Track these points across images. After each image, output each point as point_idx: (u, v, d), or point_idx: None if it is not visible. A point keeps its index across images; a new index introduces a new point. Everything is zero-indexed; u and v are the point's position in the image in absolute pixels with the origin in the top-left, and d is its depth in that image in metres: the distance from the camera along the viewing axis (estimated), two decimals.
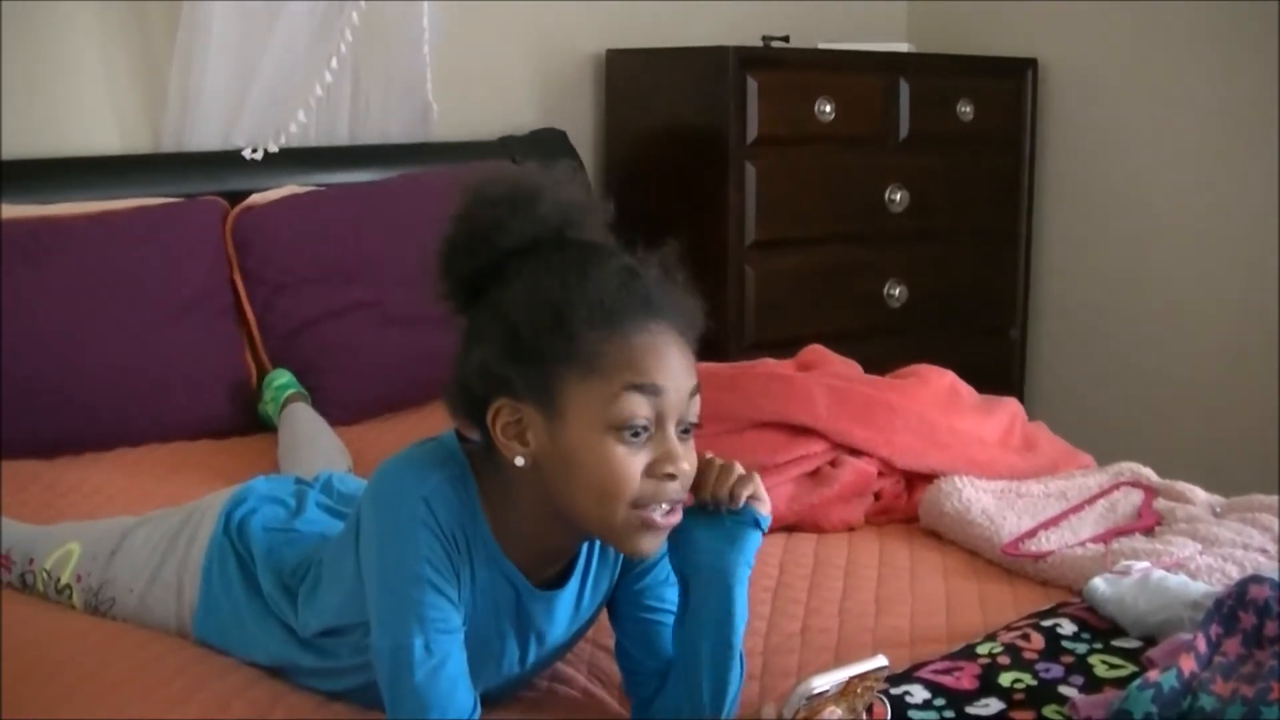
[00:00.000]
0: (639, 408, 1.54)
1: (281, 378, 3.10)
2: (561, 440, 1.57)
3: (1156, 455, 2.80)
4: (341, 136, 3.63)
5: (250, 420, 3.09)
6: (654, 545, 1.64)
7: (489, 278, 1.60)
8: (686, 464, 1.59)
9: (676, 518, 1.62)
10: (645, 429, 1.56)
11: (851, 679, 1.48)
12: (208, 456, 2.90)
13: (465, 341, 1.63)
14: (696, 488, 1.65)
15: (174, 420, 3.01)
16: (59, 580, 2.14)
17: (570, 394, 1.55)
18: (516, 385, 1.57)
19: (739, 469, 1.68)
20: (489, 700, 1.68)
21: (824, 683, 1.46)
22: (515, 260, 1.59)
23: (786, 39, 4.04)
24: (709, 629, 1.69)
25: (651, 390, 1.55)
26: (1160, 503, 2.49)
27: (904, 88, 3.97)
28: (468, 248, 1.60)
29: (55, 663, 1.92)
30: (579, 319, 1.53)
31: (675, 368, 1.57)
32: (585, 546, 1.74)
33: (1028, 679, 1.80)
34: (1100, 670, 1.84)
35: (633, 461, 1.56)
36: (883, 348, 3.33)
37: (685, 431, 1.60)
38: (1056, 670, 1.83)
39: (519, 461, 1.60)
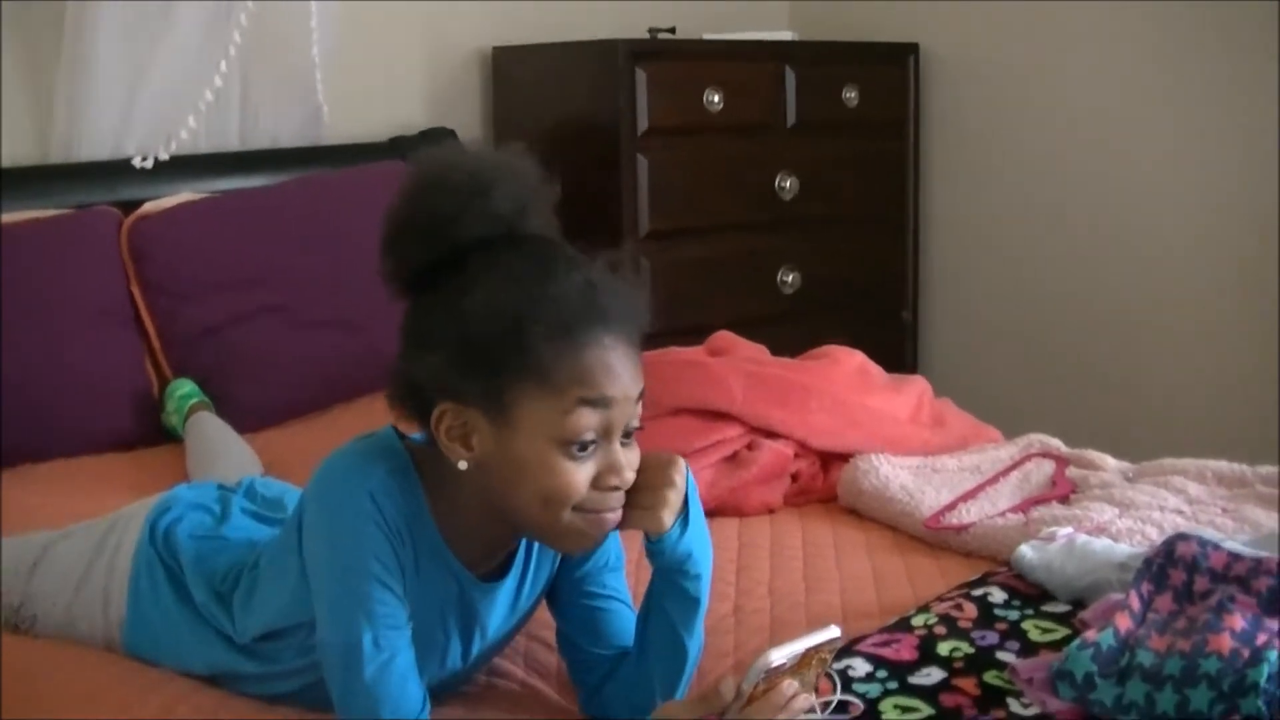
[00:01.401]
0: (589, 421, 1.54)
1: (184, 387, 3.06)
2: (508, 448, 1.56)
3: (1054, 427, 2.84)
4: (232, 142, 3.58)
5: (156, 432, 3.04)
6: (592, 545, 1.66)
7: (439, 268, 1.59)
8: (630, 472, 1.60)
9: (617, 518, 1.63)
10: (593, 442, 1.56)
11: (807, 651, 1.50)
12: (117, 469, 2.86)
13: (410, 336, 1.62)
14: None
15: (78, 435, 2.96)
16: None
17: (521, 405, 1.55)
18: (465, 391, 1.56)
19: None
20: (431, 697, 1.66)
21: (781, 655, 1.47)
22: (470, 255, 1.57)
23: (673, 30, 4.05)
24: (667, 614, 1.71)
25: (602, 403, 1.55)
26: (1072, 471, 2.53)
27: (790, 75, 3.99)
28: (419, 236, 1.58)
29: None
30: (537, 333, 1.52)
31: (625, 378, 1.57)
32: (525, 538, 1.74)
33: (966, 647, 1.82)
34: (1034, 635, 1.87)
35: (579, 472, 1.56)
36: (779, 334, 3.34)
37: (628, 435, 1.60)
38: (992, 637, 1.86)
39: (461, 465, 1.59)
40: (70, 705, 1.78)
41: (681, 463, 1.66)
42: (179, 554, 1.91)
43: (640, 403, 1.61)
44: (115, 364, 3.08)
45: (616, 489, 1.59)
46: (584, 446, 1.55)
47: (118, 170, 3.33)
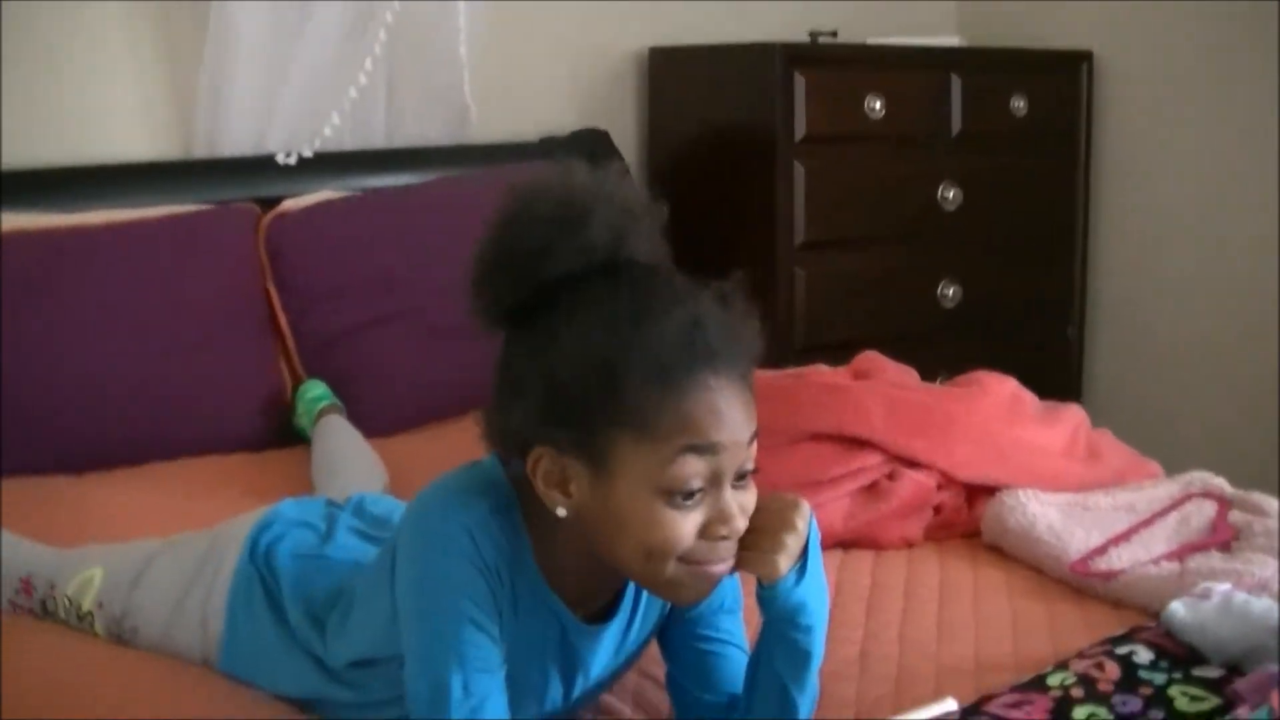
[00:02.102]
0: (695, 470, 1.44)
1: (315, 389, 3.02)
2: (608, 498, 1.46)
3: (1223, 463, 2.68)
4: (377, 140, 3.54)
5: (285, 433, 3.01)
6: (701, 596, 1.56)
7: (531, 304, 1.49)
8: (742, 520, 1.49)
9: (727, 568, 1.52)
10: (700, 489, 1.45)
11: None
12: (241, 471, 2.82)
13: (503, 379, 1.52)
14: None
15: (206, 434, 2.93)
16: (80, 607, 2.05)
17: (620, 455, 1.44)
18: (560, 439, 1.47)
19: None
20: None
21: None
22: (563, 292, 1.47)
23: (835, 34, 3.94)
24: (774, 664, 1.61)
25: (709, 450, 1.44)
26: (1235, 515, 2.38)
27: (955, 83, 3.86)
28: (509, 271, 1.48)
29: (77, 694, 1.84)
30: (633, 379, 1.42)
31: (735, 421, 1.45)
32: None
33: (1103, 714, 1.69)
34: (1181, 703, 1.73)
35: (685, 522, 1.45)
36: (937, 350, 3.23)
37: (741, 478, 1.50)
38: (1134, 704, 1.72)
39: (560, 512, 1.50)
40: None
41: (805, 507, 1.55)
42: (279, 573, 1.86)
43: (754, 444, 1.50)
44: (248, 363, 3.06)
45: (726, 539, 1.48)
46: (689, 495, 1.45)
47: (260, 166, 3.31)
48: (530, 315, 1.48)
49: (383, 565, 1.62)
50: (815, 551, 1.58)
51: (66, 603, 2.07)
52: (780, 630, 1.59)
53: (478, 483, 1.56)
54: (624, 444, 1.43)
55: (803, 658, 1.60)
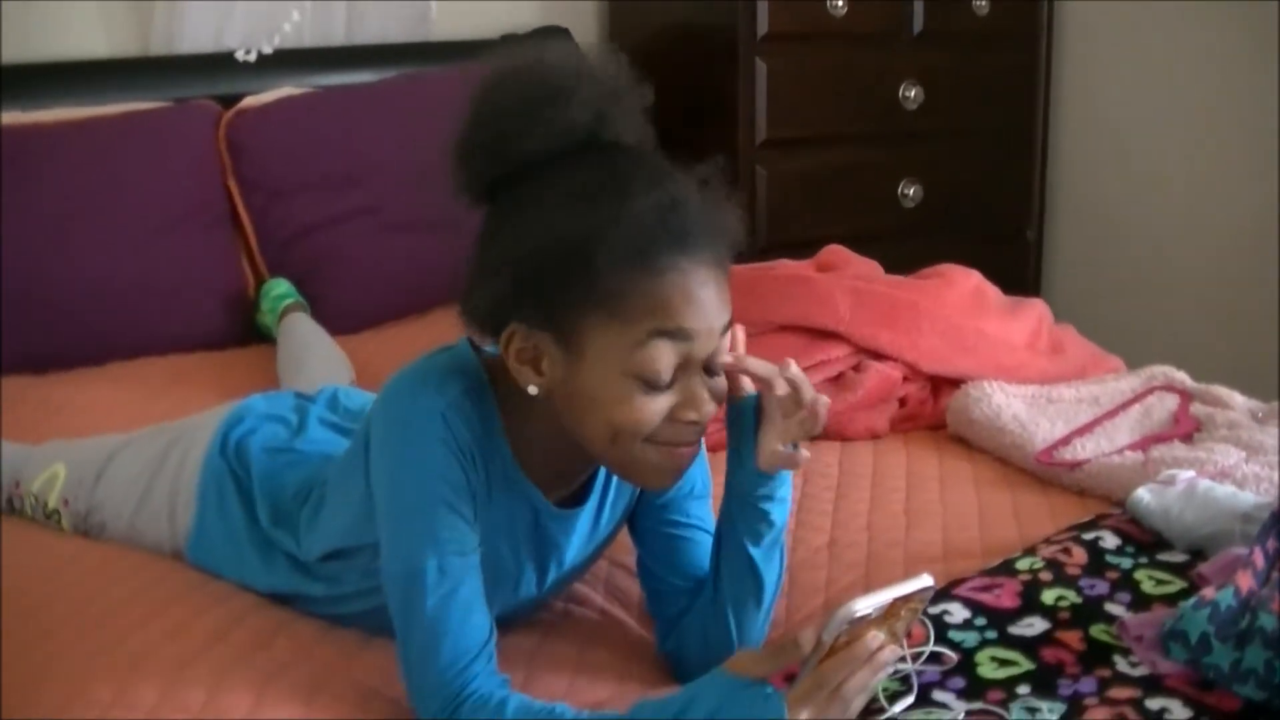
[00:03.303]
0: (665, 355, 1.43)
1: (279, 287, 3.00)
2: (578, 377, 1.46)
3: (1182, 359, 2.69)
4: (337, 37, 3.50)
5: (248, 331, 3.00)
6: (666, 481, 1.55)
7: (511, 179, 1.48)
8: (710, 406, 1.49)
9: (694, 452, 1.53)
10: (670, 378, 1.45)
11: (895, 601, 1.38)
12: (205, 369, 2.82)
13: (482, 253, 1.51)
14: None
15: (169, 332, 2.92)
16: (46, 504, 2.05)
17: (590, 335, 1.44)
18: (533, 316, 1.46)
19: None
20: (504, 624, 1.60)
21: (866, 605, 1.35)
22: (542, 168, 1.46)
23: None
24: (743, 538, 1.61)
25: (681, 335, 1.43)
26: (1197, 408, 2.40)
27: None
28: (487, 147, 1.48)
29: (47, 590, 1.84)
30: (605, 257, 1.41)
31: (708, 307, 1.45)
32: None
33: (1072, 596, 1.71)
34: (1147, 586, 1.76)
35: (653, 404, 1.45)
36: (897, 249, 3.22)
37: (713, 365, 1.49)
38: (1102, 586, 1.74)
39: (532, 390, 1.50)
40: (127, 618, 1.71)
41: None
42: (250, 468, 1.85)
43: (728, 333, 1.50)
44: (210, 261, 3.04)
45: (695, 423, 1.48)
46: (658, 381, 1.44)
47: (219, 64, 3.27)
48: (510, 192, 1.47)
49: (355, 451, 1.62)
50: None
51: (33, 500, 2.07)
52: (753, 502, 1.59)
53: (450, 366, 1.56)
54: (594, 324, 1.43)
55: (769, 528, 1.60)
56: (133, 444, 2.03)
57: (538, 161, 1.46)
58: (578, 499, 1.66)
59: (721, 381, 1.51)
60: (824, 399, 1.53)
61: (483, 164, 1.49)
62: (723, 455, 1.63)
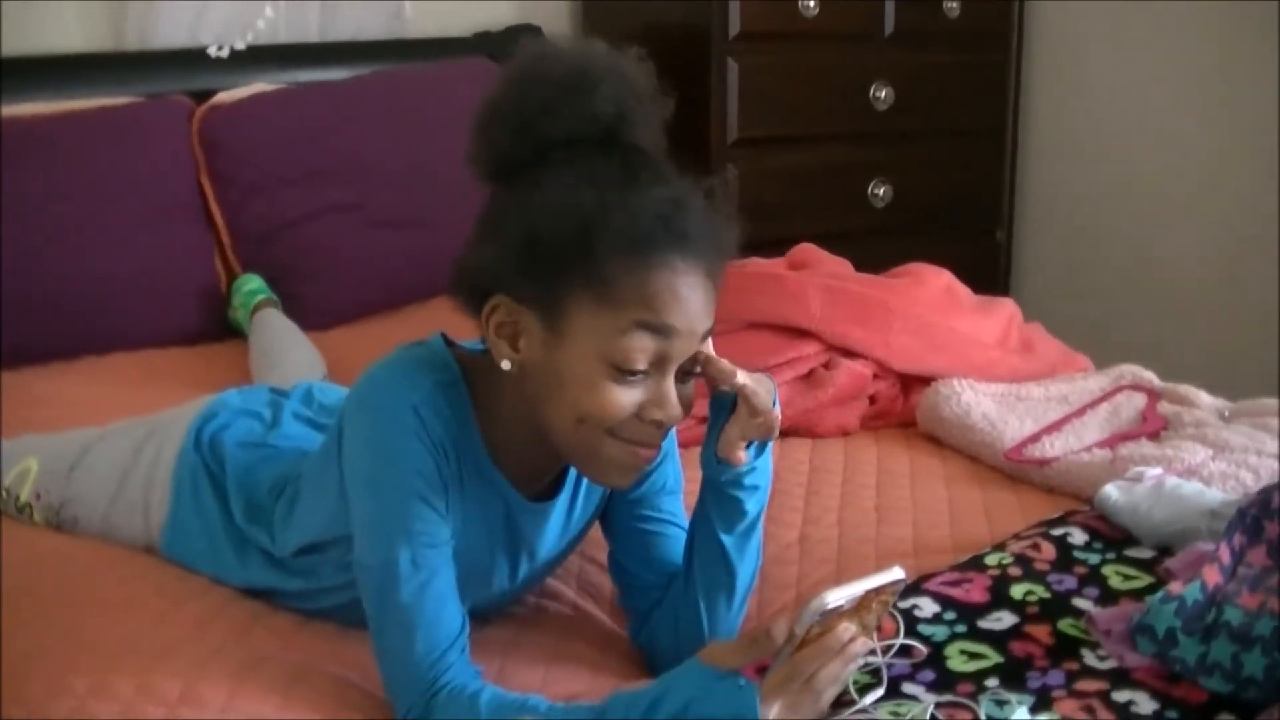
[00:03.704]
0: (643, 347, 1.45)
1: (251, 283, 3.01)
2: (555, 357, 1.48)
3: (1150, 358, 2.71)
4: (311, 33, 3.50)
5: (221, 327, 3.00)
6: (626, 480, 1.57)
7: (526, 161, 1.49)
8: (678, 410, 1.51)
9: (654, 455, 1.55)
10: (644, 371, 1.47)
11: (867, 593, 1.40)
12: (178, 364, 2.82)
13: (483, 224, 1.53)
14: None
15: (142, 328, 2.92)
16: (18, 498, 2.05)
17: (575, 315, 1.46)
18: (522, 289, 1.48)
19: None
20: (477, 618, 1.62)
21: (838, 597, 1.37)
22: (557, 152, 1.48)
23: None
24: (716, 528, 1.63)
25: (661, 330, 1.45)
26: (1164, 406, 2.42)
27: None
28: (511, 123, 1.49)
29: (26, 583, 1.83)
30: (605, 242, 1.43)
31: (694, 310, 1.47)
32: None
33: (1040, 591, 1.73)
34: (1115, 581, 1.77)
35: (622, 396, 1.47)
36: (868, 249, 3.23)
37: (688, 371, 1.52)
38: (1070, 581, 1.76)
39: (505, 365, 1.51)
40: (105, 611, 1.71)
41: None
42: (225, 463, 1.86)
43: (707, 340, 1.52)
44: (183, 257, 3.04)
45: (660, 424, 1.50)
46: (633, 373, 1.46)
47: (192, 59, 3.27)
48: (521, 173, 1.49)
49: (330, 446, 1.63)
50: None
51: (4, 494, 2.07)
52: (720, 487, 1.61)
53: (423, 360, 1.57)
54: (582, 305, 1.45)
55: (742, 517, 1.62)
56: (107, 438, 2.03)
57: (556, 146, 1.48)
58: (550, 493, 1.67)
59: (692, 390, 1.53)
60: (776, 413, 1.57)
61: (502, 140, 1.50)
62: (694, 451, 1.64)
